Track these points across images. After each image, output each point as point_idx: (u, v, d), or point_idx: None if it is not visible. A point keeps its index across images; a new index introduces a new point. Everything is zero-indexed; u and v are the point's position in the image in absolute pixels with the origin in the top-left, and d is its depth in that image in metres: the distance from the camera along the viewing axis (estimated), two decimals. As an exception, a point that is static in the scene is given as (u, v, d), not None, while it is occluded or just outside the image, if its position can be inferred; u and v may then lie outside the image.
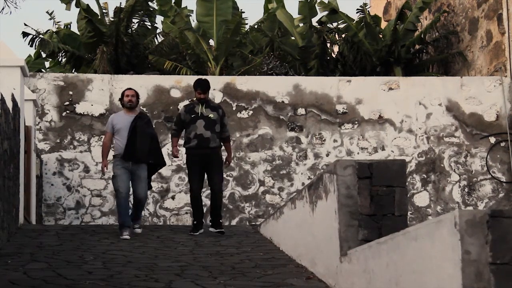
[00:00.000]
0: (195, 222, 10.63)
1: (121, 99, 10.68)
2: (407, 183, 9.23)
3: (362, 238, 6.78)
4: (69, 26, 20.40)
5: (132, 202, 10.71)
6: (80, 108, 15.29)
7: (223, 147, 10.91)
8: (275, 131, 15.48)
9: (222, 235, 10.49)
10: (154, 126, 12.09)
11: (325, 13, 18.54)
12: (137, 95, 10.68)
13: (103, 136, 10.68)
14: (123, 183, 10.30)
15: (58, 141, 15.14)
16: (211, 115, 10.62)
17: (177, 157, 10.99)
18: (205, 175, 10.71)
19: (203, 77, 12.83)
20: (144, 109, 14.47)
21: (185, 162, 11.15)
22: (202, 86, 10.79)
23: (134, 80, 15.33)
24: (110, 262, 8.29)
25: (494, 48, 16.25)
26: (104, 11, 19.27)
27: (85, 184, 15.05)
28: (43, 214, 14.77)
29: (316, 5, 19.06)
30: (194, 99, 11.03)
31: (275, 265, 8.33)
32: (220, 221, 10.68)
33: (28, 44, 18.27)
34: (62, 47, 18.50)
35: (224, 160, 10.85)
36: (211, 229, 10.58)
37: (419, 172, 15.55)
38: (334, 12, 18.04)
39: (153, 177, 12.46)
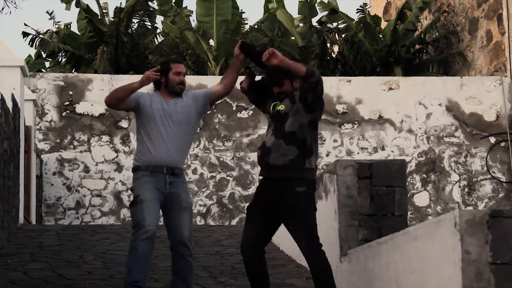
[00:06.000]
0: None
1: (161, 72, 6.08)
2: (407, 183, 9.24)
3: (362, 238, 6.79)
4: (69, 26, 20.38)
5: (172, 254, 6.11)
6: (80, 108, 15.29)
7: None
8: (275, 131, 15.46)
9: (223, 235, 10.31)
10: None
11: (325, 13, 18.54)
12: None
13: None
14: (152, 214, 5.86)
15: (58, 141, 15.14)
16: (281, 107, 5.79)
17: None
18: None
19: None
20: (144, 109, 14.44)
21: None
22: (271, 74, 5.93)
23: (134, 80, 15.32)
24: (110, 262, 8.29)
25: (494, 48, 16.24)
26: (104, 11, 19.27)
27: (85, 184, 15.05)
28: (43, 214, 14.77)
29: (316, 5, 19.06)
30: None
31: (275, 265, 8.33)
32: None
33: (28, 44, 18.26)
34: (62, 47, 18.49)
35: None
36: None
37: (419, 172, 15.54)
38: (334, 12, 18.04)
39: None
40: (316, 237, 5.67)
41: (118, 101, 5.98)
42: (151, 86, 6.22)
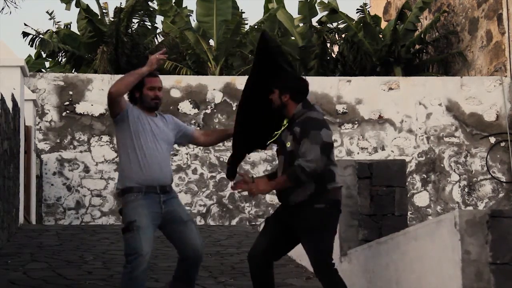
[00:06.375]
0: None
1: (134, 92, 5.79)
2: (407, 183, 9.24)
3: (362, 238, 6.79)
4: (69, 26, 20.40)
5: (178, 269, 5.79)
6: (80, 108, 15.29)
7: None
8: (275, 131, 15.46)
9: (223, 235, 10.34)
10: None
11: (325, 13, 18.55)
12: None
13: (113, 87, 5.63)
14: (149, 242, 5.56)
15: (58, 141, 15.14)
16: (288, 144, 5.63)
17: None
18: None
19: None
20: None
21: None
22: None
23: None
24: (110, 262, 8.29)
25: (494, 48, 16.24)
26: (104, 11, 19.28)
27: (85, 184, 15.05)
28: (43, 214, 14.77)
29: (316, 5, 19.06)
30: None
31: (275, 265, 8.30)
32: None
33: (28, 44, 18.27)
34: (62, 47, 18.50)
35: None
36: None
37: (419, 172, 15.54)
38: (334, 12, 18.04)
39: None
40: (329, 256, 5.46)
41: (127, 88, 5.61)
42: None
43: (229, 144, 15.43)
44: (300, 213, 5.47)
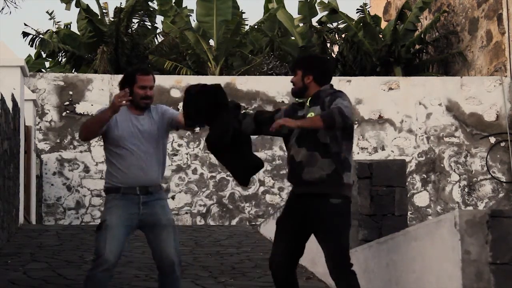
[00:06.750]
0: None
1: (125, 87, 5.46)
2: (407, 183, 9.25)
3: (362, 238, 6.79)
4: (69, 26, 20.41)
5: (158, 274, 5.54)
6: (80, 108, 15.29)
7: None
8: (275, 131, 15.45)
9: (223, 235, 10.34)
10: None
11: (325, 13, 18.56)
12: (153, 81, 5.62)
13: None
14: (116, 243, 5.36)
15: (58, 141, 15.14)
16: (310, 114, 5.36)
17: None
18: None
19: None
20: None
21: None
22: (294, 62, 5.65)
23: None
24: (110, 262, 8.28)
25: (494, 48, 16.24)
26: (104, 11, 19.28)
27: (85, 184, 15.05)
28: (43, 214, 14.77)
29: (316, 5, 19.07)
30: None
31: (275, 265, 8.32)
32: None
33: (28, 44, 18.28)
34: (62, 47, 18.51)
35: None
36: None
37: (419, 172, 15.54)
38: (334, 12, 18.05)
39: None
40: (346, 256, 5.11)
41: (94, 134, 5.51)
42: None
43: (229, 144, 15.47)
44: (316, 208, 5.09)
